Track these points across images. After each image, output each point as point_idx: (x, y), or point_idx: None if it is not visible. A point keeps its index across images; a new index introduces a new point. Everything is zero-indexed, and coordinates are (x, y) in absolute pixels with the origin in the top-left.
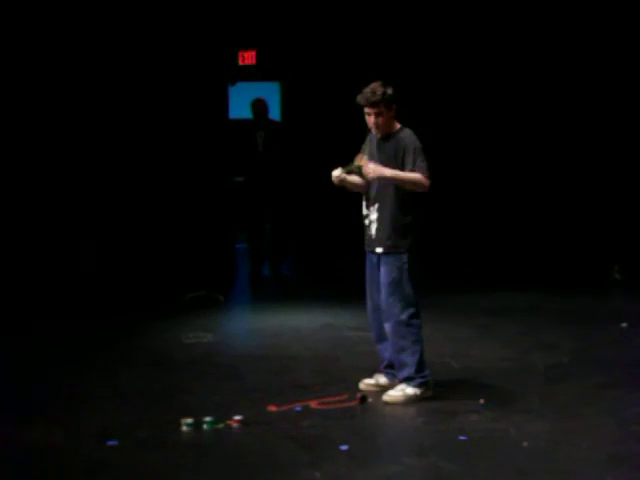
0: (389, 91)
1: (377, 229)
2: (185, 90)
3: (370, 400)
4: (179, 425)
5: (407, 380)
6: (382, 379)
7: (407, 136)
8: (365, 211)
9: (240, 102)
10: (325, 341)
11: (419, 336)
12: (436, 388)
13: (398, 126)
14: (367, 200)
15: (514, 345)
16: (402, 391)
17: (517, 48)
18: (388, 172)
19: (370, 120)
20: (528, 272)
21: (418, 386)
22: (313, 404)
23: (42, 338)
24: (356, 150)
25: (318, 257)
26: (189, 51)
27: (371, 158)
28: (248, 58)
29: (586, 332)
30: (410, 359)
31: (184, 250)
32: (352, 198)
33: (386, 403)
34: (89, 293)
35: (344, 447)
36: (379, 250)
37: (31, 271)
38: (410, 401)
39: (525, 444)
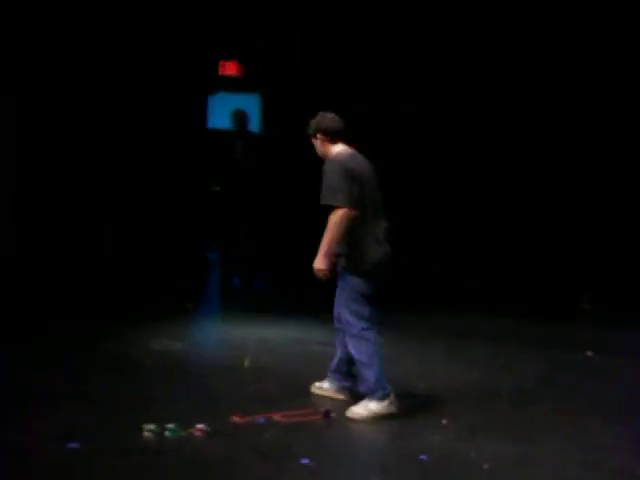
0: (323, 123)
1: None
2: (165, 98)
3: (334, 415)
4: (142, 430)
5: (369, 394)
6: (325, 384)
7: (327, 164)
8: None
9: (219, 112)
10: (292, 354)
11: (375, 350)
12: (401, 407)
13: (334, 153)
14: None
15: (480, 368)
16: (365, 406)
17: (517, 54)
18: (320, 255)
19: None
20: (498, 297)
21: (380, 400)
22: (277, 416)
23: (8, 340)
24: None
25: (290, 270)
26: (170, 60)
27: None
28: (229, 68)
29: (551, 359)
30: (369, 373)
31: (156, 257)
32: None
33: (350, 419)
34: (61, 298)
35: (305, 460)
36: (338, 268)
37: None
38: (374, 417)
39: (486, 466)
